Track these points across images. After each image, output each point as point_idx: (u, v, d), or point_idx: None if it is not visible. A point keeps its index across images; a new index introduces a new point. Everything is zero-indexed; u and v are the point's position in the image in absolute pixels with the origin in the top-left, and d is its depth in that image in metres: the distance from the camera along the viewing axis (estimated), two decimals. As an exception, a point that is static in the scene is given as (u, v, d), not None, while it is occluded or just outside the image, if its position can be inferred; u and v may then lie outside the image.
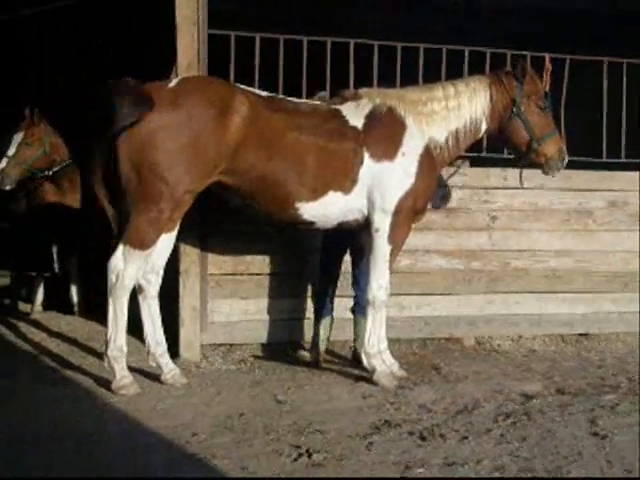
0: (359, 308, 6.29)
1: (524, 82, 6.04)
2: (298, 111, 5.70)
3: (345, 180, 5.70)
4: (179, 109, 5.30)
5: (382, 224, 5.77)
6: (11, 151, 7.73)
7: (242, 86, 5.74)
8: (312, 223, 5.84)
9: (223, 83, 5.69)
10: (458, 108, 5.94)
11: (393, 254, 5.86)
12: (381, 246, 5.80)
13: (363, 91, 6.01)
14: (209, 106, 5.35)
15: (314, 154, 5.58)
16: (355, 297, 6.41)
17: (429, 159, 5.86)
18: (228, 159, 5.42)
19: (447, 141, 5.95)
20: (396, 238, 5.81)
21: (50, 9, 7.71)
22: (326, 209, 5.72)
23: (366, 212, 5.80)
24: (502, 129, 6.10)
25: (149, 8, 7.81)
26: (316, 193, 5.64)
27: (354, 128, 5.75)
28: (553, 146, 6.11)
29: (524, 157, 6.16)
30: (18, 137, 7.80)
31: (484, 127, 6.09)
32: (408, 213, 5.82)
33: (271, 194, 5.58)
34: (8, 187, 7.73)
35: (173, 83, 5.48)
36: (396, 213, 5.75)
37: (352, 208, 5.78)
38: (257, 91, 5.79)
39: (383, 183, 5.70)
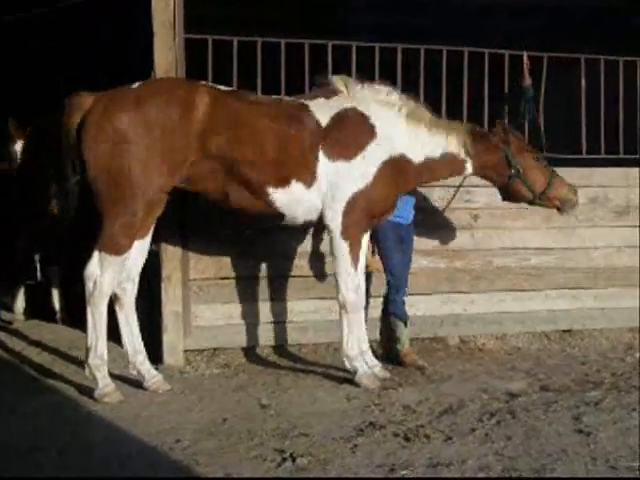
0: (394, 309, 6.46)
1: (510, 142, 6.09)
2: (261, 101, 5.78)
3: (305, 171, 5.66)
4: (143, 109, 5.33)
5: (334, 223, 5.73)
6: None
7: (204, 82, 5.80)
8: (282, 215, 5.80)
9: (184, 81, 5.80)
10: (438, 134, 5.93)
11: (351, 254, 5.74)
12: (338, 247, 5.75)
13: (338, 91, 5.98)
14: (172, 102, 5.39)
15: (276, 140, 5.58)
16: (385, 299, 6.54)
17: (395, 170, 5.79)
18: (196, 149, 5.43)
19: (420, 163, 5.91)
20: (350, 239, 5.72)
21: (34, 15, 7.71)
22: (293, 199, 5.68)
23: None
24: (505, 188, 6.21)
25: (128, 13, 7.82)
26: (281, 181, 5.62)
27: (317, 122, 5.71)
28: (561, 189, 6.18)
29: (537, 204, 6.32)
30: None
31: (469, 170, 6.10)
32: (361, 216, 5.75)
33: (240, 180, 5.56)
34: None
35: (135, 85, 5.53)
36: (346, 213, 5.69)
37: (316, 206, 5.75)
38: (220, 86, 5.81)
39: (338, 182, 5.66)
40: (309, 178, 5.68)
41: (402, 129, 5.85)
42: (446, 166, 6.05)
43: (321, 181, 5.69)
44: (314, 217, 5.83)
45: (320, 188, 5.70)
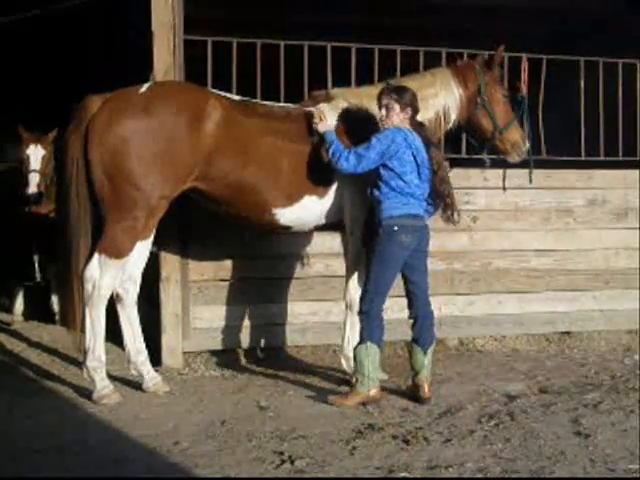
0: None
1: (487, 71, 6.10)
2: (272, 115, 5.66)
3: (319, 184, 5.65)
4: (151, 115, 5.25)
5: (356, 227, 5.73)
6: (38, 165, 7.73)
7: (215, 90, 5.71)
8: (289, 227, 5.82)
9: (195, 87, 5.64)
10: (434, 97, 5.90)
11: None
12: (357, 249, 5.76)
13: (334, 92, 5.96)
14: (181, 111, 5.30)
15: (288, 159, 5.54)
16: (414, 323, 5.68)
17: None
18: (202, 165, 5.37)
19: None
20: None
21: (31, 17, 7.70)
22: (302, 213, 5.69)
23: (341, 215, 5.77)
24: (469, 119, 6.15)
25: (125, 15, 7.82)
26: (291, 199, 5.61)
27: None
28: (516, 133, 6.23)
29: (487, 144, 6.27)
30: (38, 151, 7.77)
31: (454, 117, 6.08)
32: None
33: (247, 200, 5.55)
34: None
35: (144, 88, 5.42)
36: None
37: (328, 212, 5.75)
38: (230, 95, 5.74)
39: (357, 185, 5.63)
40: (322, 189, 5.67)
41: None
42: (440, 125, 6.03)
43: (336, 187, 5.67)
44: (323, 222, 5.84)
45: (335, 194, 5.69)
